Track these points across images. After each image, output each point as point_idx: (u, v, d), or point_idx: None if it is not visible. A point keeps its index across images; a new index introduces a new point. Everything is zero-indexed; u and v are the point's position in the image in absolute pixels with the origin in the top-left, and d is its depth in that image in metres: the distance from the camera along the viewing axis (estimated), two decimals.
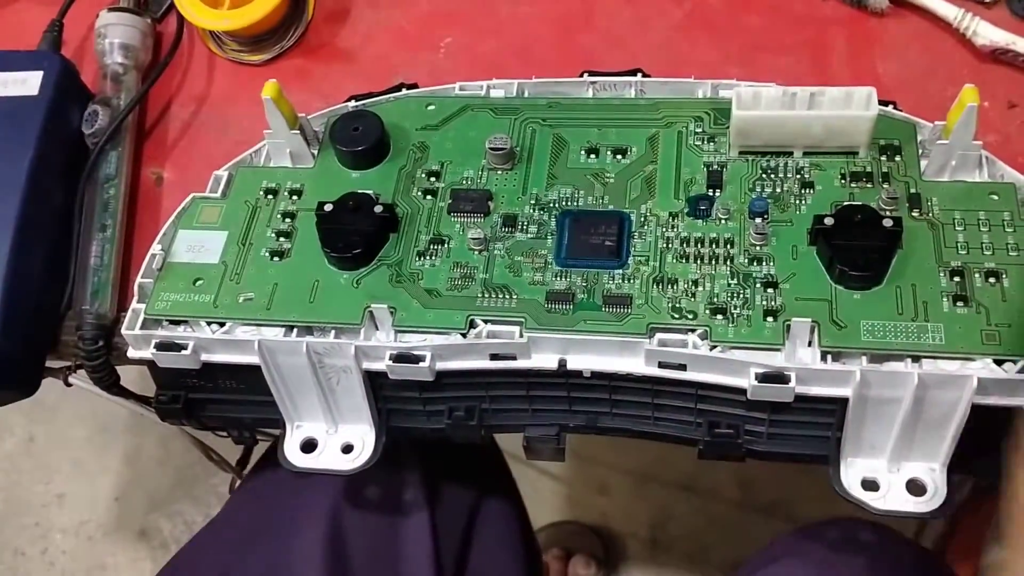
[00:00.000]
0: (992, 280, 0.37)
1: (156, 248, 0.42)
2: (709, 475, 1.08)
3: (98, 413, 1.20)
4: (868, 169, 0.40)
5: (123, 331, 0.40)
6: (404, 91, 0.46)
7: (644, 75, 0.45)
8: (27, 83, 0.46)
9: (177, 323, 0.41)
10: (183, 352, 0.40)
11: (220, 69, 0.52)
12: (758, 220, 0.39)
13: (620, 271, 0.39)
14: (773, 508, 1.02)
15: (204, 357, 0.40)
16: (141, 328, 0.40)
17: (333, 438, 0.42)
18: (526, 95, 0.45)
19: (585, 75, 0.45)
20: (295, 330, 0.40)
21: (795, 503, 1.00)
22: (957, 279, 0.37)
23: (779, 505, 1.02)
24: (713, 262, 0.39)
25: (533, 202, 0.42)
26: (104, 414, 1.19)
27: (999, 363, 0.35)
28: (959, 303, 0.36)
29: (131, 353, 0.41)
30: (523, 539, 0.64)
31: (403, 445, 0.56)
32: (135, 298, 0.41)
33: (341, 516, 0.53)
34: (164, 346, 0.40)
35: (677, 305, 0.38)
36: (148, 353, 0.40)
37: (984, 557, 0.70)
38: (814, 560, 0.55)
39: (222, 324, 0.40)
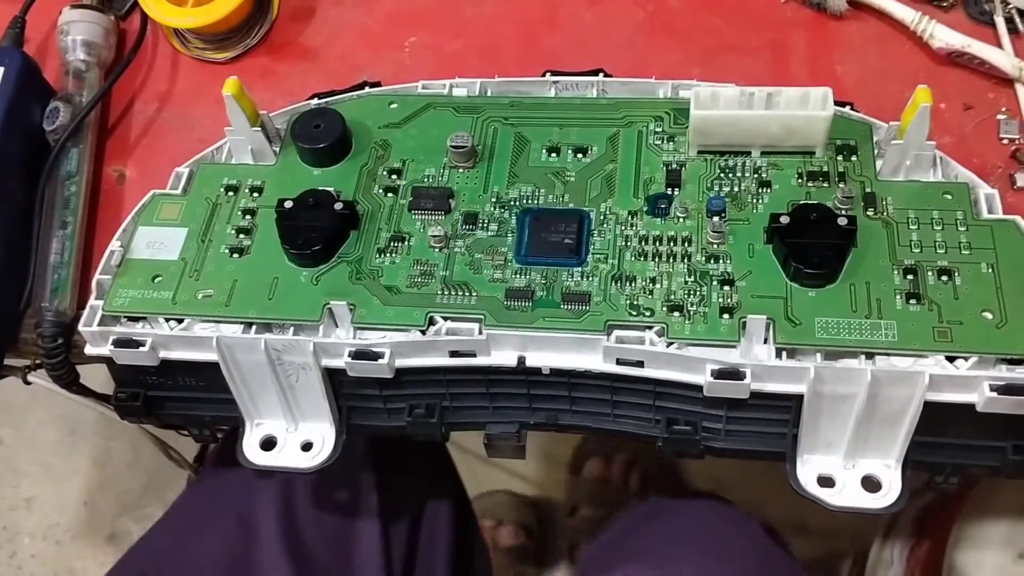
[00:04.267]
0: (944, 278, 0.37)
1: (115, 244, 0.42)
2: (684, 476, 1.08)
3: (67, 416, 1.18)
4: (825, 168, 0.40)
5: (80, 327, 0.40)
6: (367, 89, 0.46)
7: (606, 75, 0.45)
8: None
9: (135, 320, 0.41)
10: (141, 349, 0.39)
11: (184, 67, 0.51)
12: (715, 219, 0.39)
13: (579, 269, 0.39)
14: (745, 508, 1.03)
15: (162, 354, 0.40)
16: (99, 325, 0.40)
17: (293, 436, 0.42)
18: (489, 94, 0.46)
19: (547, 75, 0.45)
20: (254, 327, 0.40)
21: (766, 504, 1.00)
22: (910, 277, 0.37)
23: (750, 506, 1.02)
24: (671, 260, 0.39)
25: (494, 200, 0.42)
26: (73, 417, 1.18)
27: (951, 360, 0.36)
28: (912, 301, 0.37)
29: (89, 350, 0.41)
30: (466, 539, 0.64)
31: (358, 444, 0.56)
32: (93, 295, 0.41)
33: (295, 512, 0.53)
34: (122, 343, 0.40)
35: (635, 302, 0.38)
36: (106, 350, 0.40)
37: (949, 559, 0.71)
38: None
39: (180, 321, 0.40)
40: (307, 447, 0.42)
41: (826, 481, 0.38)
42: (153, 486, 1.14)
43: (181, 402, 0.43)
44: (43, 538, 1.14)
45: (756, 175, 0.41)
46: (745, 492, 1.03)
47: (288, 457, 0.41)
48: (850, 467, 0.38)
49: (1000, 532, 0.69)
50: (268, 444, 0.42)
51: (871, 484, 0.38)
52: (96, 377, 0.46)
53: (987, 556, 0.69)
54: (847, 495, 0.38)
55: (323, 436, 0.42)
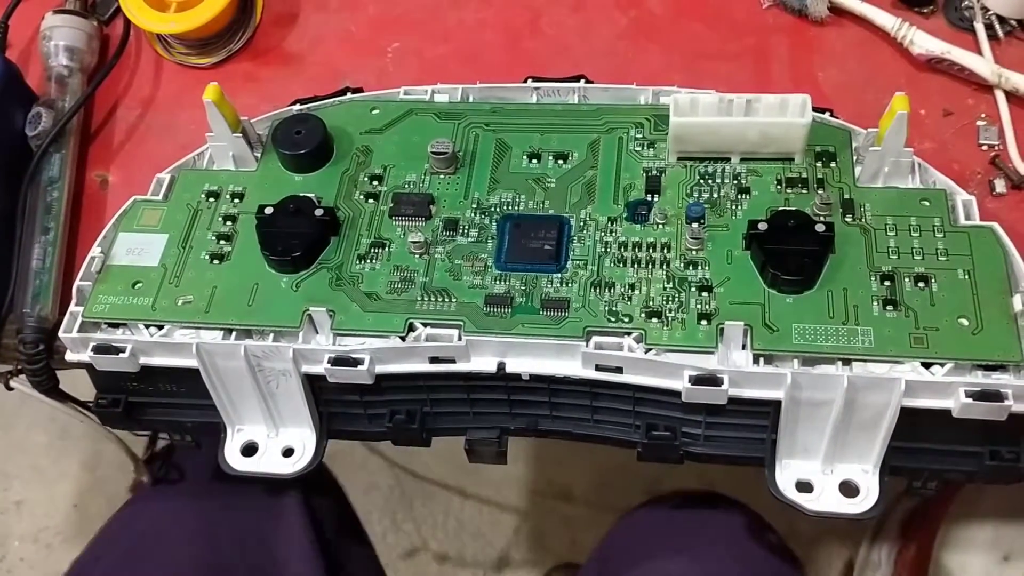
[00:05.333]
0: (921, 285, 0.37)
1: (96, 251, 0.42)
2: (672, 479, 1.08)
3: (57, 419, 1.18)
4: (804, 175, 0.41)
5: (60, 334, 0.40)
6: (349, 95, 0.46)
7: (587, 81, 0.45)
8: None
9: (116, 326, 0.41)
10: (120, 355, 0.39)
11: (167, 72, 0.51)
12: (694, 225, 0.39)
13: (558, 275, 0.39)
14: None
15: (142, 360, 0.40)
16: (79, 331, 0.40)
17: (274, 441, 0.42)
18: (470, 100, 0.46)
19: (529, 81, 0.45)
20: (233, 333, 0.40)
21: (754, 505, 1.01)
22: (887, 283, 0.37)
23: None
24: (650, 266, 0.39)
25: (475, 206, 0.42)
26: (63, 420, 1.17)
27: (927, 366, 0.36)
28: (889, 307, 0.37)
29: (69, 356, 0.41)
30: None
31: None
32: (73, 301, 0.41)
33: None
34: (101, 349, 0.40)
35: (613, 308, 0.38)
36: (86, 356, 0.40)
37: (935, 562, 0.72)
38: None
39: (160, 327, 0.40)
40: (288, 453, 0.42)
41: (804, 486, 0.38)
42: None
43: (162, 408, 0.43)
44: (33, 541, 1.14)
45: (735, 181, 0.41)
46: (737, 493, 1.03)
47: (269, 463, 0.41)
48: (828, 472, 0.38)
49: (985, 535, 0.69)
50: (249, 450, 0.42)
51: (849, 489, 0.38)
52: (85, 381, 0.46)
53: (973, 559, 0.70)
54: (825, 500, 0.38)
55: (304, 442, 0.42)
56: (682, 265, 0.39)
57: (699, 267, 0.39)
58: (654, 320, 0.38)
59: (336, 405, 0.41)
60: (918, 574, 0.74)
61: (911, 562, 0.78)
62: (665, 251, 0.39)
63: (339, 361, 0.38)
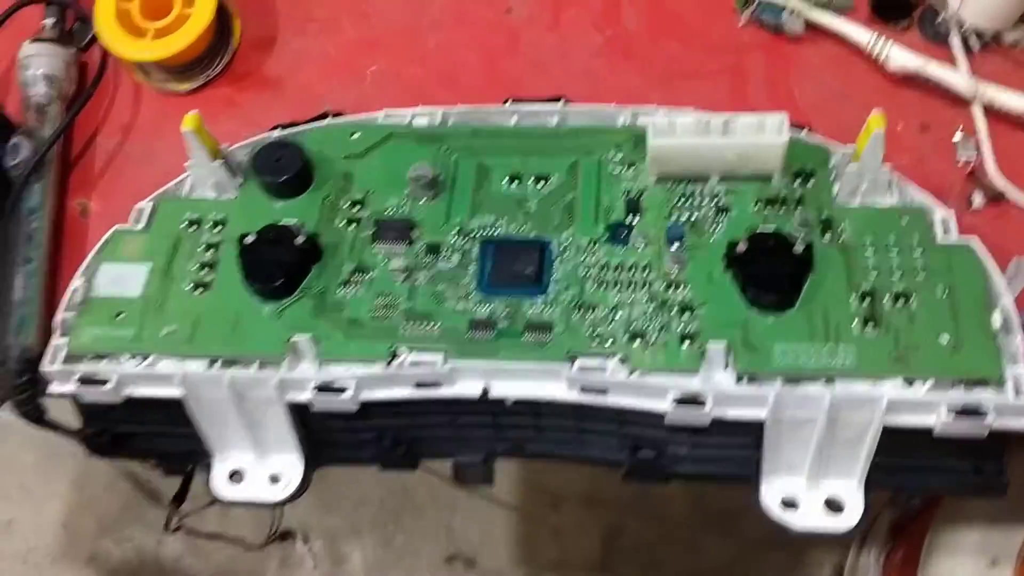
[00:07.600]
0: (901, 302, 0.38)
1: (78, 282, 0.42)
2: (661, 487, 1.08)
3: (47, 438, 1.17)
4: (782, 194, 0.41)
5: (44, 366, 0.40)
6: (329, 119, 0.46)
7: (567, 102, 0.45)
8: None
9: (99, 357, 0.41)
10: (105, 387, 0.39)
11: (146, 99, 0.51)
12: (675, 246, 0.40)
13: (541, 298, 0.39)
14: (724, 519, 1.03)
15: (127, 391, 0.40)
16: (63, 363, 0.40)
17: (261, 469, 0.42)
18: (450, 123, 0.46)
19: (509, 103, 0.46)
20: (218, 362, 0.40)
21: (745, 515, 1.01)
22: (867, 302, 0.38)
23: (729, 516, 1.03)
24: (631, 288, 0.39)
25: (456, 230, 0.42)
26: (53, 439, 1.17)
27: (909, 383, 0.36)
28: (869, 325, 0.37)
29: (53, 388, 0.41)
30: None
31: None
32: (56, 332, 0.41)
33: None
34: (86, 381, 0.40)
35: (596, 331, 0.38)
36: (70, 388, 0.40)
37: (923, 567, 0.72)
38: None
39: (145, 358, 0.40)
40: (275, 479, 0.42)
41: (790, 503, 0.39)
42: (132, 508, 1.14)
43: (149, 437, 0.43)
44: (23, 561, 1.13)
45: (714, 202, 0.41)
46: (725, 500, 1.03)
47: (256, 490, 0.41)
48: (813, 489, 0.39)
49: (973, 539, 0.70)
50: (236, 477, 0.42)
51: (834, 506, 0.38)
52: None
53: (960, 563, 0.70)
54: (810, 517, 0.38)
55: (291, 469, 0.42)
56: (663, 286, 0.39)
57: (680, 288, 0.39)
58: (637, 342, 0.38)
59: (322, 432, 0.41)
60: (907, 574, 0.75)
61: (899, 566, 0.78)
62: (646, 272, 0.40)
63: (324, 389, 0.38)
